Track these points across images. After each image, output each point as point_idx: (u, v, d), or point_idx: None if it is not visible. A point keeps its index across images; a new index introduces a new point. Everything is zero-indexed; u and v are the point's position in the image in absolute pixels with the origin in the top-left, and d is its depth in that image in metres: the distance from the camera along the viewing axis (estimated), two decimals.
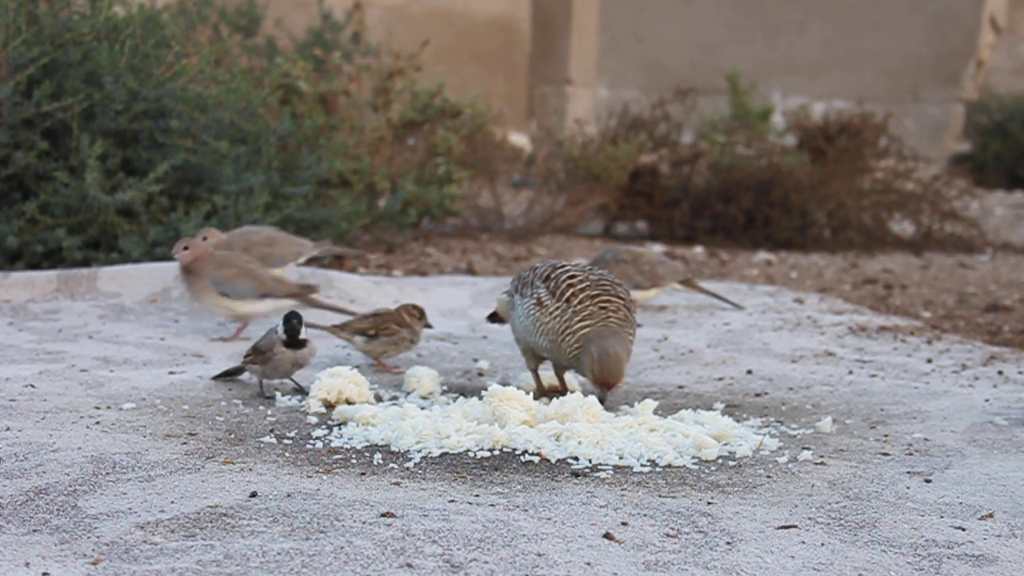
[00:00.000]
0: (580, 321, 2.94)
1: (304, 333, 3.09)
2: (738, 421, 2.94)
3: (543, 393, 3.14)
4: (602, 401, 2.88)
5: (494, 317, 3.47)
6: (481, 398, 2.91)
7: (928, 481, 2.47)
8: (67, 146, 4.71)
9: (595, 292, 2.97)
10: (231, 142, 5.07)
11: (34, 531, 2.03)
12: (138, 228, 4.78)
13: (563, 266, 3.07)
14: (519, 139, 10.31)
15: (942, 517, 2.24)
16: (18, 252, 4.67)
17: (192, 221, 4.73)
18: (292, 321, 3.09)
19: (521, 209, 7.44)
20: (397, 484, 2.35)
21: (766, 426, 2.93)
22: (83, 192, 4.60)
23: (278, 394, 3.10)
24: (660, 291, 4.61)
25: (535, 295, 3.05)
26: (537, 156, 7.49)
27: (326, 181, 5.78)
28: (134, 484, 2.28)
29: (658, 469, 2.52)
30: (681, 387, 3.38)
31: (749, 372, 3.57)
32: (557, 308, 2.98)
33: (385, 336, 3.32)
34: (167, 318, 4.10)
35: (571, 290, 2.98)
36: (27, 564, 1.88)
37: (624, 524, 2.13)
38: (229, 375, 3.25)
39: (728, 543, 2.06)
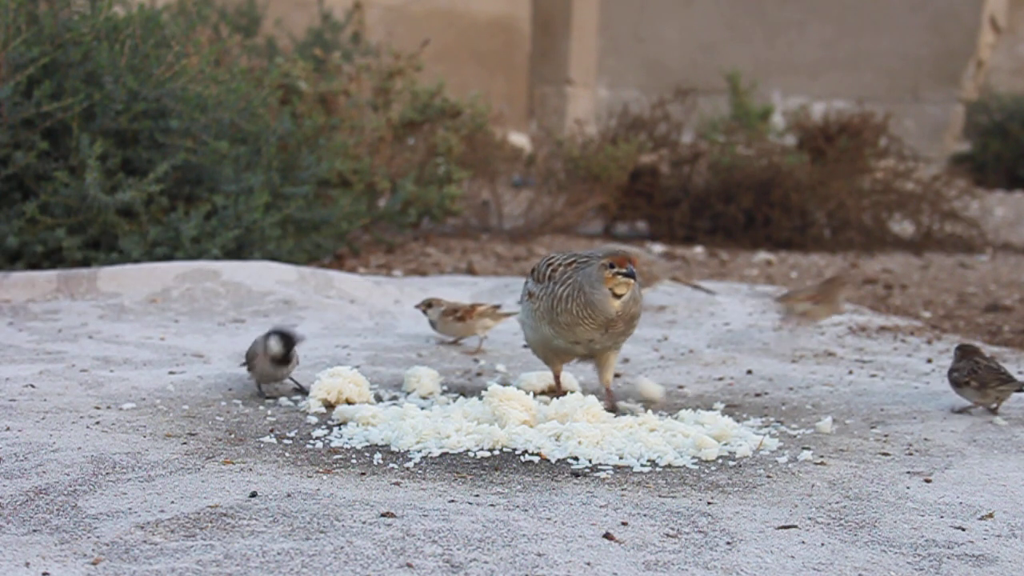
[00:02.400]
0: (563, 287, 2.93)
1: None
2: (738, 421, 2.94)
3: (558, 393, 3.11)
4: (632, 276, 2.85)
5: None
6: (481, 398, 2.91)
7: (928, 481, 2.47)
8: (67, 146, 4.71)
9: (570, 261, 2.98)
10: (231, 142, 5.07)
11: (34, 531, 2.03)
12: (138, 228, 4.78)
13: (547, 257, 3.08)
14: (519, 139, 10.31)
15: (942, 517, 2.24)
16: (18, 252, 4.67)
17: (192, 221, 4.73)
18: (290, 343, 3.07)
19: (521, 209, 7.44)
20: (397, 484, 2.35)
21: (766, 426, 2.93)
22: (83, 192, 4.60)
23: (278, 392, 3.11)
24: (651, 290, 4.66)
25: (526, 292, 3.06)
26: (537, 156, 7.49)
27: (326, 181, 5.78)
28: (134, 484, 2.28)
29: (658, 469, 2.52)
30: (681, 387, 3.38)
31: (749, 372, 3.58)
32: (543, 289, 2.97)
33: (827, 304, 4.08)
34: (167, 318, 4.10)
35: (550, 269, 2.99)
36: (27, 564, 1.88)
37: (624, 524, 2.13)
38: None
39: (728, 543, 2.06)
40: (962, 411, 3.10)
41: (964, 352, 3.14)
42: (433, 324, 3.82)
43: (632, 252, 2.91)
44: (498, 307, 3.87)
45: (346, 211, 5.60)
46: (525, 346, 3.88)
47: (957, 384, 3.10)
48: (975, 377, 3.05)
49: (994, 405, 3.09)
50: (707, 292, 4.92)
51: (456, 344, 3.88)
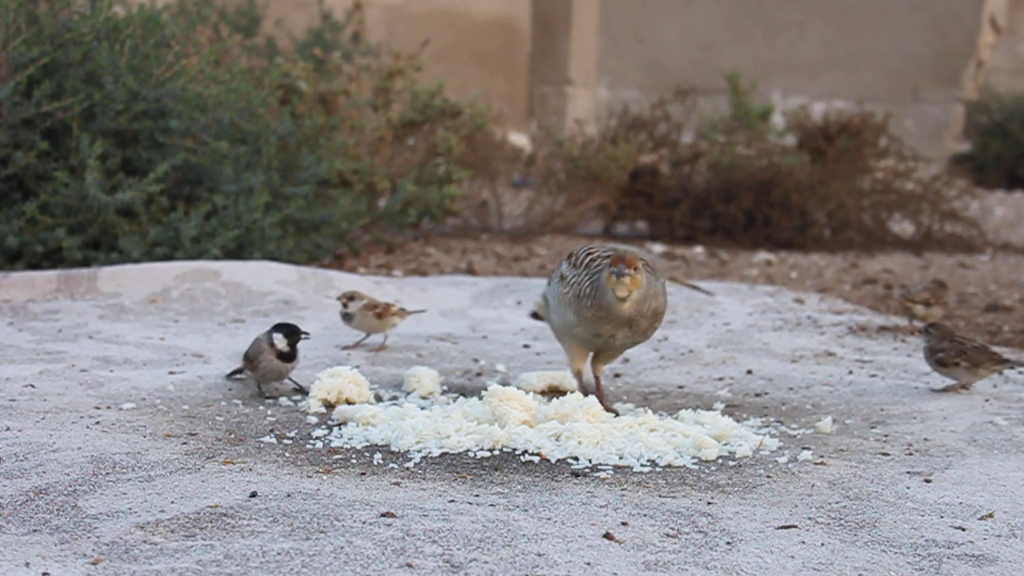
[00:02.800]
0: (588, 283, 2.91)
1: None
2: (738, 421, 2.94)
3: (585, 392, 3.10)
4: (620, 275, 2.81)
5: (536, 316, 3.47)
6: (481, 398, 2.91)
7: (928, 481, 2.47)
8: (67, 146, 4.71)
9: (608, 254, 2.94)
10: (231, 142, 5.07)
11: (34, 531, 2.03)
12: (138, 228, 4.78)
13: (586, 246, 3.06)
14: (519, 139, 10.31)
15: (942, 517, 2.24)
16: (18, 252, 4.67)
17: (192, 221, 4.73)
18: (297, 335, 3.09)
19: (521, 209, 7.44)
20: (397, 484, 2.35)
21: (766, 426, 2.93)
22: (83, 192, 4.60)
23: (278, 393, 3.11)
24: None
25: (559, 274, 3.04)
26: (537, 156, 7.49)
27: (326, 181, 5.78)
28: (134, 484, 2.28)
29: (658, 469, 2.52)
30: (681, 387, 3.38)
31: (749, 372, 3.57)
32: (575, 275, 2.95)
33: (940, 306, 4.27)
34: (167, 318, 4.10)
35: (588, 257, 2.96)
36: (27, 564, 1.88)
37: (624, 524, 2.13)
38: (239, 372, 3.25)
39: (728, 543, 2.06)
40: (946, 390, 3.23)
41: (942, 332, 3.26)
42: (350, 317, 3.75)
43: (631, 252, 2.90)
44: (404, 308, 3.85)
45: (346, 211, 5.59)
46: (526, 346, 3.88)
47: (944, 364, 3.21)
48: (965, 357, 3.17)
49: (976, 383, 3.26)
50: (705, 293, 4.94)
51: (361, 342, 3.83)
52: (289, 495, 2.24)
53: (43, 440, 2.55)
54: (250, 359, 3.09)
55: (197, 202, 4.96)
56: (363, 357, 3.64)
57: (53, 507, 2.14)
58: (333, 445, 2.64)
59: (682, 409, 2.96)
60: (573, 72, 12.77)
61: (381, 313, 3.73)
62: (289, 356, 3.08)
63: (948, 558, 2.03)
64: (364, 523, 2.09)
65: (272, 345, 3.07)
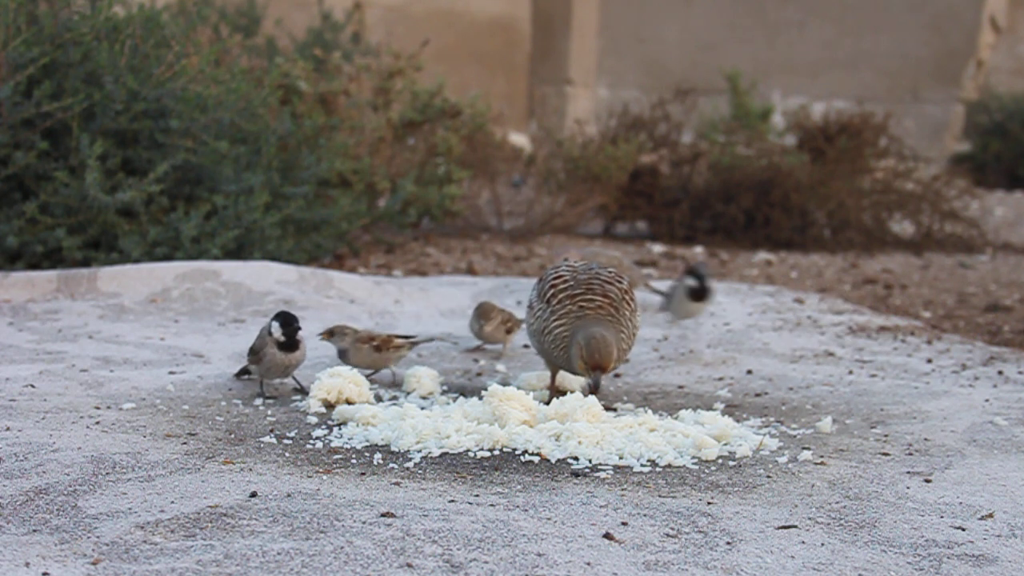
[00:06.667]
0: (556, 320, 2.94)
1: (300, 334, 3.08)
2: (738, 421, 2.94)
3: (552, 392, 3.14)
4: (596, 387, 2.85)
5: None
6: (481, 398, 2.91)
7: (928, 481, 2.47)
8: (67, 146, 4.71)
9: (577, 291, 2.96)
10: (231, 142, 5.07)
11: (34, 531, 2.03)
12: (138, 228, 4.78)
13: (556, 268, 3.08)
14: (519, 139, 10.31)
15: (942, 517, 2.24)
16: (18, 252, 4.67)
17: (192, 221, 4.73)
18: (292, 324, 3.07)
19: (521, 209, 7.44)
20: (397, 484, 2.35)
21: (766, 426, 2.93)
22: (83, 192, 4.60)
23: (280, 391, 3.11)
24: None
25: (529, 299, 3.10)
26: (537, 156, 7.49)
27: (326, 181, 5.78)
28: (134, 484, 2.28)
29: (658, 469, 2.52)
30: (681, 387, 3.38)
31: (749, 372, 3.57)
32: (539, 309, 3.00)
33: None
34: (167, 318, 4.10)
35: (552, 290, 3.00)
36: (27, 564, 1.88)
37: (624, 524, 2.13)
38: (246, 373, 3.24)
39: (728, 543, 2.06)
40: None
41: None
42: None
43: (604, 352, 2.84)
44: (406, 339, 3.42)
45: (346, 211, 5.60)
46: (526, 346, 3.88)
47: None
48: None
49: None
50: (662, 294, 4.93)
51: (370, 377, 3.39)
52: (289, 495, 2.24)
53: (43, 440, 2.55)
54: (255, 352, 3.09)
55: (197, 202, 4.96)
56: None
57: (53, 507, 2.14)
58: (333, 445, 2.64)
59: (682, 409, 2.96)
60: (573, 72, 12.77)
61: (379, 346, 3.35)
62: (289, 346, 3.06)
63: (948, 558, 2.03)
64: (364, 523, 2.09)
65: (271, 334, 3.06)
